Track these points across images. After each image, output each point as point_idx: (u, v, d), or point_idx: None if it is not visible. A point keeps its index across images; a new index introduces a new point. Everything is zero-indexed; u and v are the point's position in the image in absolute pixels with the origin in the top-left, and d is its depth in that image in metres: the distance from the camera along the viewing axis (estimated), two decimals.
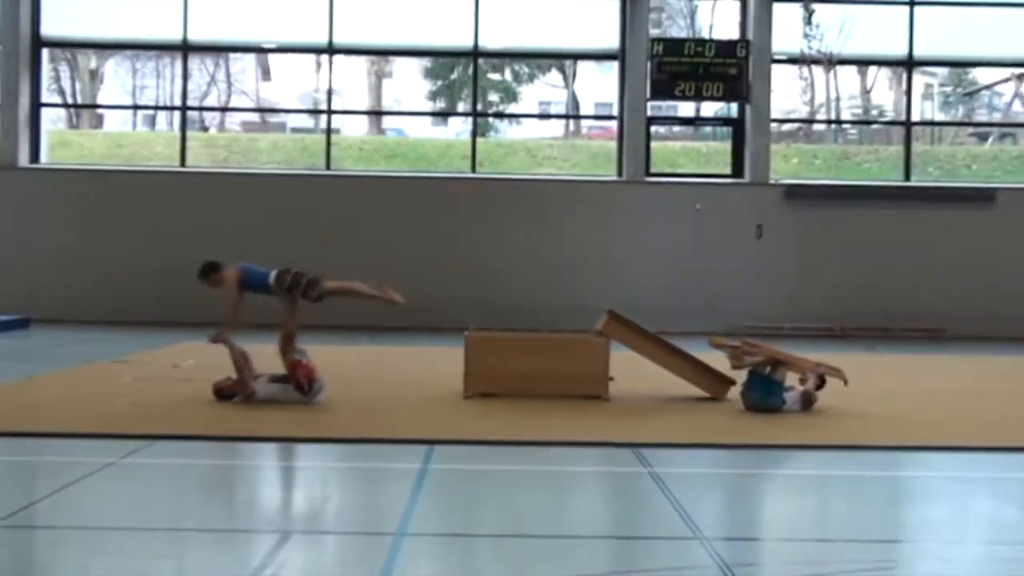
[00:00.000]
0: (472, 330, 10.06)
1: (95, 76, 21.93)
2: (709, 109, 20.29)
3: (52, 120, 20.26)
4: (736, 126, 19.05)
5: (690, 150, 20.44)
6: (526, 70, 22.60)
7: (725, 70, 18.38)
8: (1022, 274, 17.98)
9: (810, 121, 20.52)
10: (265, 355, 9.46)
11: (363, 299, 9.75)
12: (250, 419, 8.48)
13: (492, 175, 19.11)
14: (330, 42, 19.02)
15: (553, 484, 6.89)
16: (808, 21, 18.42)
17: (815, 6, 18.32)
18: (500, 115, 22.15)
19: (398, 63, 22.10)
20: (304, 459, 7.53)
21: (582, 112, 22.80)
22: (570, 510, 6.32)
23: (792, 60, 18.87)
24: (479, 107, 19.88)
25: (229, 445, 7.60)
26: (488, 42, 19.36)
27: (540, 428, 8.35)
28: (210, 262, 9.56)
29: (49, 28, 19.04)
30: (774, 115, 19.06)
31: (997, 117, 21.85)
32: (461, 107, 21.97)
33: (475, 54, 19.30)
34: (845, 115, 21.55)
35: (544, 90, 23.24)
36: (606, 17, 19.10)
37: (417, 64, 21.87)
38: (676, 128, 21.26)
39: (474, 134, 19.52)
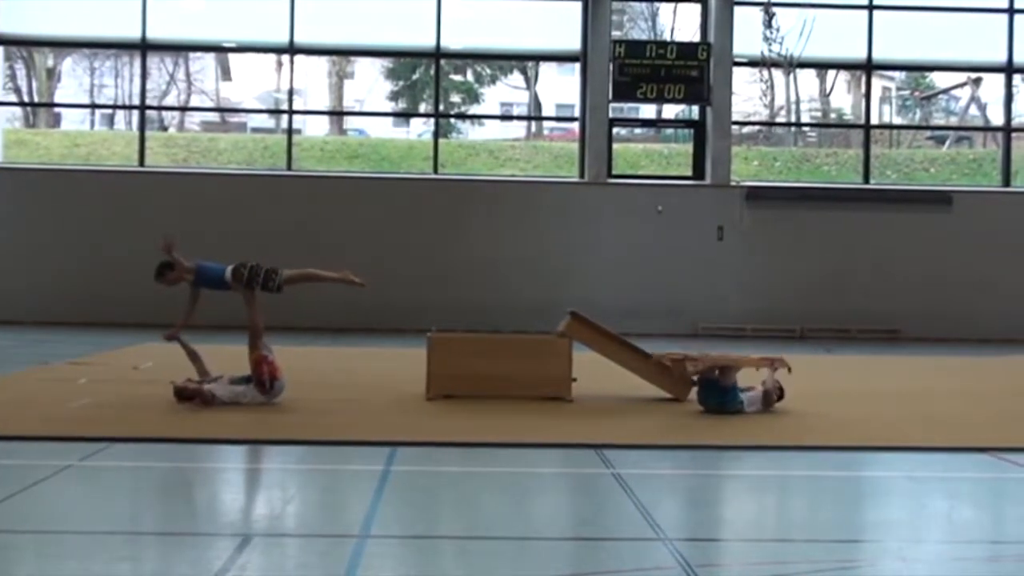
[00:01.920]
0: (434, 331, 10.03)
1: (52, 74, 21.68)
2: (671, 111, 20.37)
3: (8, 119, 20.01)
4: (697, 128, 19.14)
5: (652, 152, 20.51)
6: (488, 71, 22.60)
7: (686, 72, 18.46)
8: (976, 276, 18.19)
9: (770, 124, 20.67)
10: (227, 356, 9.38)
11: (324, 283, 9.80)
12: (210, 421, 8.40)
13: (454, 176, 19.08)
14: (291, 41, 18.91)
15: (516, 485, 6.89)
16: (768, 24, 18.51)
17: (775, 9, 18.44)
18: (462, 116, 22.14)
19: (360, 63, 22.03)
20: (265, 461, 7.47)
21: (544, 113, 22.84)
22: (533, 511, 6.32)
23: (753, 63, 18.98)
24: (441, 108, 19.85)
25: (189, 447, 7.53)
26: (450, 43, 19.32)
27: (503, 429, 8.34)
28: (164, 261, 9.51)
29: (4, 25, 18.79)
30: (735, 117, 19.16)
31: (954, 121, 22.09)
32: (423, 108, 21.93)
33: (437, 55, 19.25)
34: (805, 118, 21.73)
35: (506, 91, 23.26)
36: (568, 19, 19.12)
37: (379, 64, 21.81)
38: (638, 130, 21.34)
39: (436, 135, 19.49)
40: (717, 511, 6.64)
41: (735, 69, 18.81)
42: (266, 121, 22.27)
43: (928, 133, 21.99)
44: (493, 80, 22.78)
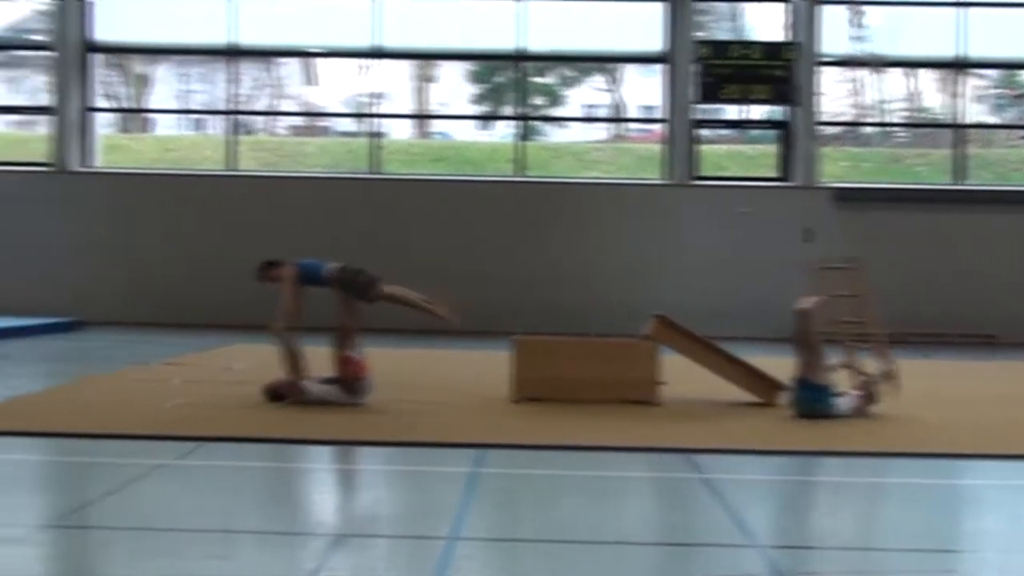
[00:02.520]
0: (519, 334, 10.03)
1: (145, 81, 22.15)
2: (756, 112, 20.13)
3: (104, 125, 20.48)
4: (784, 129, 18.90)
5: (736, 153, 20.30)
6: (571, 73, 22.54)
7: (772, 72, 18.23)
8: None
9: (859, 124, 20.32)
10: (320, 357, 9.48)
11: (414, 310, 9.75)
12: (301, 421, 8.50)
13: (538, 178, 19.09)
14: (376, 45, 19.09)
15: (603, 489, 6.85)
16: (856, 23, 18.22)
17: (864, 8, 18.13)
18: (545, 118, 22.10)
19: (444, 67, 22.13)
20: (354, 462, 7.53)
21: (627, 115, 22.73)
22: (621, 516, 6.27)
23: (840, 62, 18.70)
24: (524, 111, 19.88)
25: (280, 447, 7.62)
26: (533, 45, 19.34)
27: (589, 432, 8.30)
28: (267, 260, 9.60)
29: (100, 34, 19.26)
30: (822, 118, 18.88)
31: None
32: (506, 111, 21.95)
33: (520, 57, 19.29)
34: (894, 117, 21.29)
35: (589, 93, 23.18)
36: (651, 20, 19.02)
37: (462, 68, 21.89)
38: (722, 131, 21.12)
39: (519, 137, 19.52)
40: (809, 517, 6.53)
41: (822, 69, 18.55)
42: (351, 125, 22.47)
43: (1022, 133, 21.43)
44: (576, 82, 22.72)
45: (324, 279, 9.47)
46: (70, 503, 6.05)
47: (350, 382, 9.10)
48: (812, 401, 9.03)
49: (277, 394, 9.15)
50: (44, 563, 5.11)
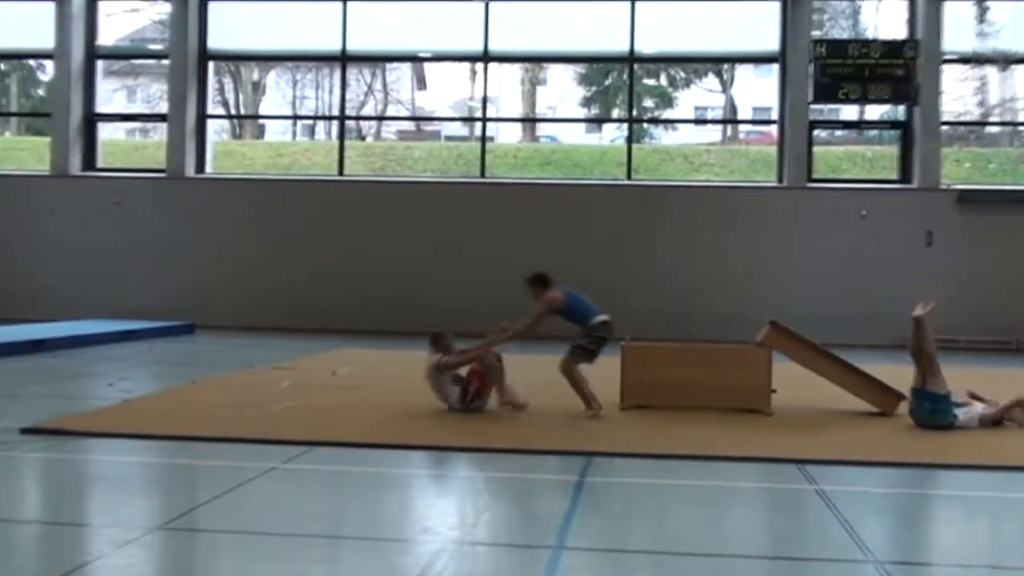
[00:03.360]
0: (628, 340, 9.95)
1: (257, 88, 22.63)
2: (875, 112, 19.70)
3: (216, 131, 20.97)
4: (904, 129, 18.45)
5: (854, 155, 19.89)
6: (682, 75, 22.36)
7: (892, 71, 17.81)
8: None
9: (983, 123, 19.73)
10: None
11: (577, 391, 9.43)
12: (406, 427, 8.56)
13: (648, 182, 18.97)
14: (485, 49, 19.19)
15: (714, 500, 6.73)
16: (981, 19, 17.70)
17: (989, 3, 17.60)
18: (655, 121, 21.97)
19: (552, 69, 22.14)
20: (459, 468, 7.53)
21: (740, 117, 22.43)
22: (731, 527, 6.16)
23: (964, 60, 18.18)
24: (634, 113, 19.76)
25: (386, 452, 7.66)
26: (643, 47, 19.22)
27: (700, 441, 8.18)
28: (542, 273, 9.44)
29: (213, 42, 19.73)
30: (944, 117, 18.39)
31: None
32: (616, 113, 21.86)
33: (630, 59, 19.19)
34: (1021, 116, 20.60)
35: (701, 95, 22.94)
36: (765, 19, 18.76)
37: (571, 70, 21.86)
38: (839, 132, 20.72)
39: (629, 140, 19.41)
40: (928, 532, 6.33)
41: (944, 66, 18.05)
42: (460, 129, 22.64)
43: None
44: (687, 83, 22.51)
45: (588, 326, 9.22)
46: (180, 506, 6.16)
47: (469, 395, 9.16)
48: (931, 411, 8.77)
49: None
50: (153, 565, 5.21)
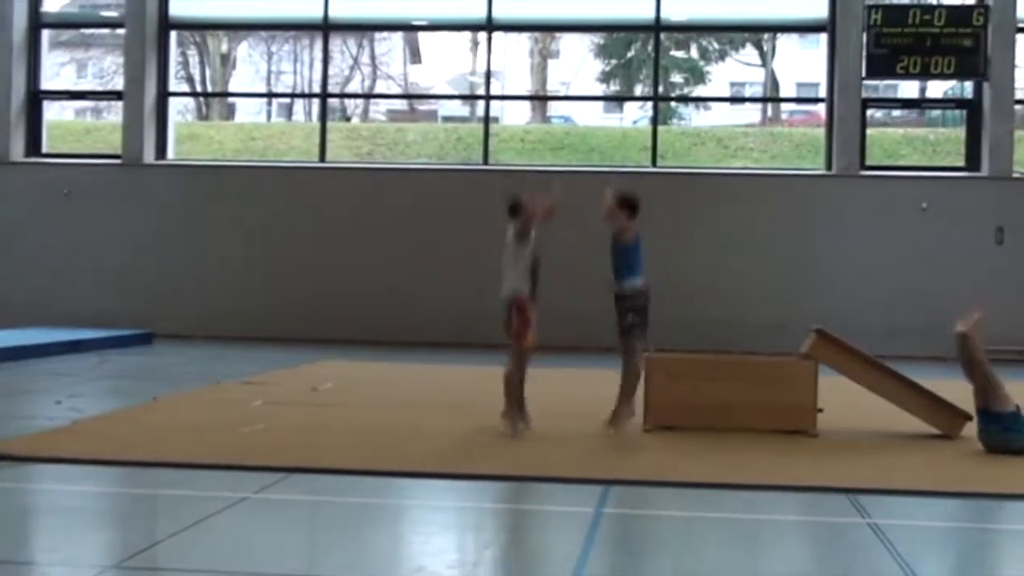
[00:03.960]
0: (653, 351, 9.99)
1: (227, 61, 22.72)
2: (938, 89, 19.74)
3: (180, 111, 21.05)
4: (972, 109, 18.48)
5: (914, 138, 19.94)
6: (716, 46, 22.43)
7: (958, 42, 17.85)
8: None
9: None
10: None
11: None
12: (397, 451, 8.60)
13: (676, 169, 19.01)
14: (488, 17, 19.23)
15: (750, 534, 6.77)
16: None
17: None
18: (685, 99, 22.04)
19: (565, 40, 22.23)
20: (460, 498, 7.57)
21: (783, 94, 22.50)
22: (771, 566, 6.20)
23: None
24: (661, 90, 19.81)
25: (374, 480, 7.70)
26: (671, 13, 19.26)
27: (734, 468, 8.21)
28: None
29: (176, 8, 19.75)
30: (1019, 95, 18.42)
31: None
32: (639, 90, 21.94)
33: (656, 28, 19.23)
34: None
35: (737, 69, 23.02)
36: None
37: (588, 41, 21.94)
38: (897, 112, 20.77)
39: (655, 121, 19.45)
40: (994, 570, 6.36)
41: (1019, 36, 18.09)
42: (460, 108, 22.74)
43: None
44: (722, 56, 22.59)
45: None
46: (138, 542, 6.20)
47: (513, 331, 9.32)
48: (1000, 432, 8.81)
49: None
50: None
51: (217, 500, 6.94)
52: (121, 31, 19.86)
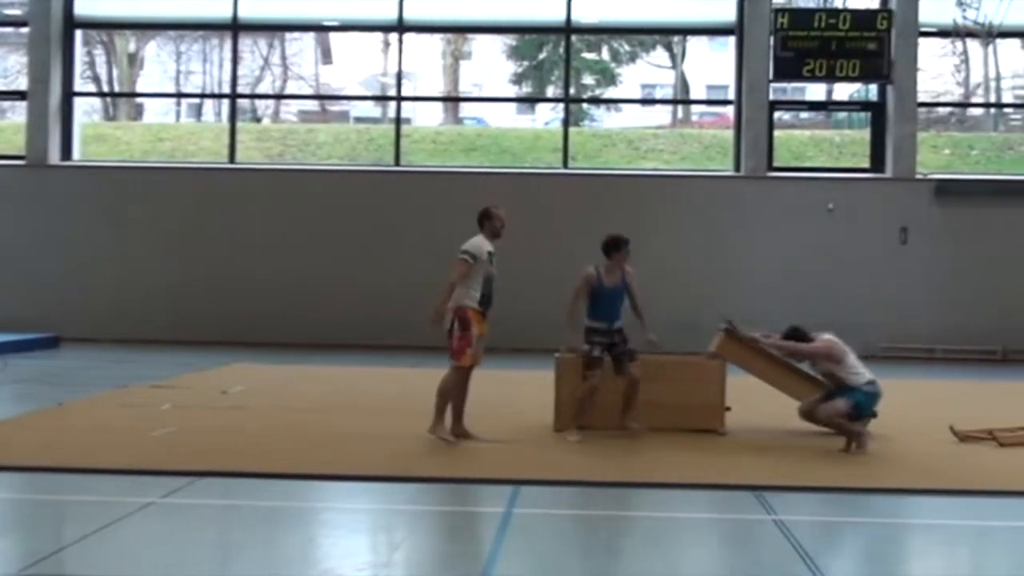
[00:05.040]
0: (563, 351, 10.03)
1: (134, 61, 22.41)
2: (843, 91, 20.04)
3: (86, 111, 20.73)
4: (876, 111, 18.79)
5: (821, 140, 20.22)
6: (626, 48, 22.57)
7: (863, 45, 18.14)
8: None
9: (965, 105, 20.18)
10: None
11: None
12: (309, 454, 8.56)
13: (587, 170, 19.10)
14: (400, 18, 19.20)
15: (660, 533, 6.83)
16: None
17: None
18: (596, 101, 22.14)
19: (478, 41, 22.23)
20: (371, 500, 7.55)
21: (692, 97, 22.70)
22: (680, 563, 6.25)
23: (943, 33, 18.55)
24: (572, 92, 19.90)
25: (284, 483, 7.65)
26: (582, 16, 19.37)
27: (644, 467, 8.29)
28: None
29: (81, 7, 19.47)
30: (921, 98, 18.75)
31: None
32: (551, 92, 22.01)
33: (567, 30, 19.32)
34: (1007, 97, 21.11)
35: (648, 71, 23.17)
36: None
37: (500, 42, 21.96)
38: (804, 114, 21.05)
39: (566, 123, 19.53)
40: (895, 564, 6.49)
41: (921, 40, 18.42)
42: (371, 110, 22.63)
43: None
44: (632, 58, 22.73)
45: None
46: (43, 547, 6.11)
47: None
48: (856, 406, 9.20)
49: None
50: None
51: (123, 505, 6.86)
52: (25, 30, 19.53)
